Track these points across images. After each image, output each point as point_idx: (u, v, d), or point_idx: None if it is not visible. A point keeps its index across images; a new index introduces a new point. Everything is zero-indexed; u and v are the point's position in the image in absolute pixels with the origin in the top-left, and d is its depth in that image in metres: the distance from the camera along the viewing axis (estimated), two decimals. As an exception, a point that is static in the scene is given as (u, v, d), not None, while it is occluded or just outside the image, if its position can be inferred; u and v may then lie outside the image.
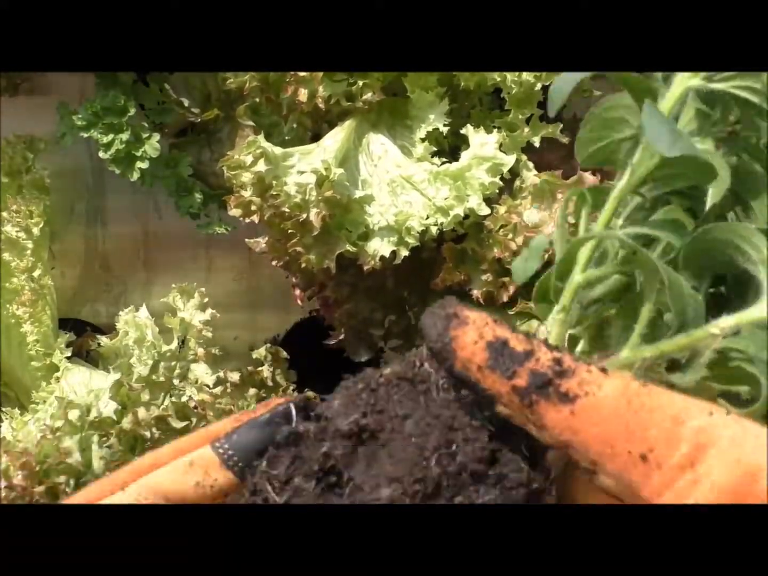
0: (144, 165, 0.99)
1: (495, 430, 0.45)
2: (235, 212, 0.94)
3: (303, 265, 0.91)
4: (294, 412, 0.47)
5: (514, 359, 0.42)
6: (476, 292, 0.92)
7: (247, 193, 0.91)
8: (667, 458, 0.40)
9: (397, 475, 0.43)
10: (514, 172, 0.92)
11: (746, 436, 0.40)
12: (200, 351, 1.01)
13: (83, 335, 1.09)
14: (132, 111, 0.99)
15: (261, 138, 0.90)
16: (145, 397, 0.93)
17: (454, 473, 0.44)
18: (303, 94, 0.91)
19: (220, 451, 0.46)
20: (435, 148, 0.93)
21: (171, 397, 0.95)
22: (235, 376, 1.00)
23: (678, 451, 0.40)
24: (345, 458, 0.44)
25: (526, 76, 0.89)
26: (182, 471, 0.46)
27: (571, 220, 0.52)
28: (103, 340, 1.05)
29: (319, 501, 0.44)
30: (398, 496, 0.43)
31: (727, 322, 0.44)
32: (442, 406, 0.46)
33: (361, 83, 0.92)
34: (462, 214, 0.89)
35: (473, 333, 0.43)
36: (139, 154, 0.99)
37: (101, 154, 0.99)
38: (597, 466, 0.42)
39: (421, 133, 0.93)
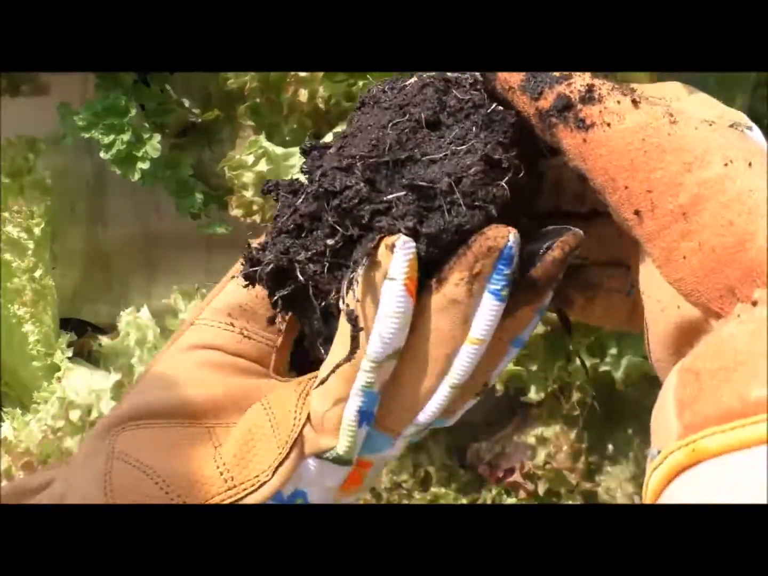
0: (145, 165, 0.99)
1: None
2: (236, 212, 0.94)
3: (304, 265, 0.91)
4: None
5: (546, 81, 0.42)
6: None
7: (248, 193, 0.91)
8: (662, 203, 0.39)
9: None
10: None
11: (758, 196, 0.37)
12: (201, 352, 1.01)
13: (84, 335, 1.09)
14: (133, 111, 0.99)
15: (262, 138, 0.91)
16: (146, 397, 0.93)
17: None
18: (303, 95, 0.91)
19: None
20: (435, 148, 0.93)
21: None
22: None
23: (676, 198, 0.38)
24: None
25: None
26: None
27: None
28: (104, 340, 1.05)
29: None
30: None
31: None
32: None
33: (361, 84, 0.92)
34: (462, 214, 0.88)
35: None
36: (139, 154, 0.99)
37: (102, 155, 0.99)
38: (601, 195, 0.41)
39: (422, 133, 0.93)
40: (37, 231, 1.03)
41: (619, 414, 1.00)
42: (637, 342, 0.93)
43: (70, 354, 1.02)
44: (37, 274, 1.02)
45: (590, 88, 0.41)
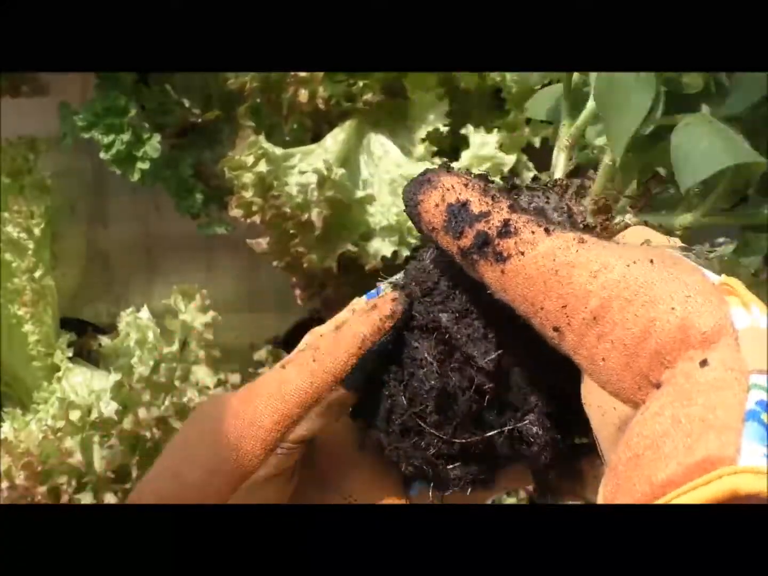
0: (145, 165, 0.99)
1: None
2: (236, 213, 0.94)
3: (305, 265, 0.91)
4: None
5: (466, 220, 0.43)
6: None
7: (248, 194, 0.91)
8: (575, 314, 0.40)
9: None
10: (515, 172, 0.92)
11: (658, 286, 0.39)
12: (201, 353, 1.01)
13: (84, 335, 1.09)
14: (133, 111, 0.99)
15: (262, 138, 0.91)
16: (146, 397, 0.93)
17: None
18: (303, 95, 0.91)
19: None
20: (435, 148, 0.93)
21: (172, 397, 0.95)
22: (235, 378, 1.00)
23: (587, 305, 0.40)
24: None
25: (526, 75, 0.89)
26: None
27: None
28: (105, 340, 1.05)
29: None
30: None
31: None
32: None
33: (361, 84, 0.92)
34: (463, 214, 0.89)
35: (437, 197, 0.45)
36: (139, 154, 0.99)
37: (102, 155, 0.99)
38: (528, 322, 0.42)
39: (422, 133, 0.93)
40: (37, 231, 1.03)
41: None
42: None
43: (70, 354, 1.02)
44: (37, 274, 1.02)
45: (506, 223, 0.43)
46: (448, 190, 0.45)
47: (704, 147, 0.42)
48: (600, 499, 0.38)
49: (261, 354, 1.06)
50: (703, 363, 0.36)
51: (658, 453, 0.35)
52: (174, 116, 1.06)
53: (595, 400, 0.41)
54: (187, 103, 1.07)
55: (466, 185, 0.45)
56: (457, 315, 0.47)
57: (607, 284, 0.40)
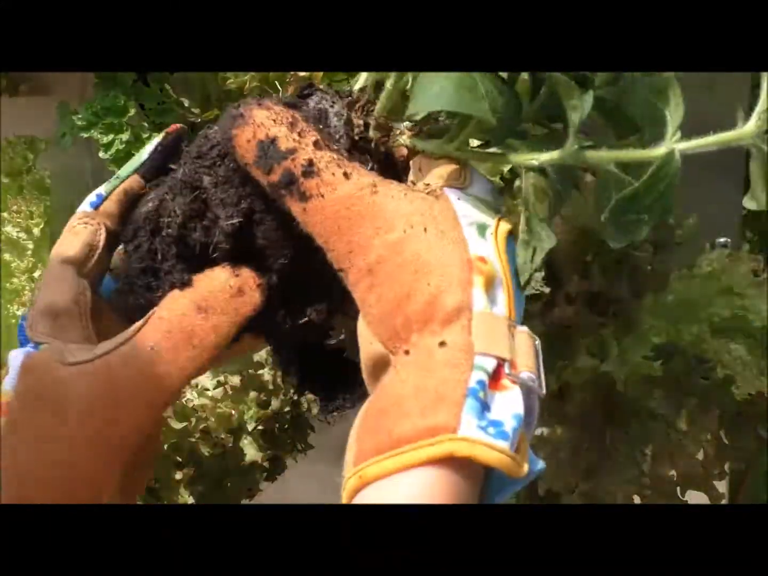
0: (144, 165, 0.99)
1: None
2: (235, 212, 0.94)
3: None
4: None
5: (275, 157, 0.48)
6: (476, 292, 0.92)
7: (247, 193, 0.91)
8: (357, 261, 0.47)
9: None
10: (515, 172, 0.92)
11: (424, 258, 0.45)
12: (201, 354, 1.01)
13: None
14: (132, 111, 0.99)
15: (261, 138, 0.90)
16: (146, 397, 0.93)
17: None
18: (303, 94, 0.91)
19: None
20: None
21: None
22: (235, 380, 1.00)
23: (366, 257, 0.46)
24: None
25: (526, 75, 0.89)
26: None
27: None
28: (104, 340, 1.05)
29: None
30: None
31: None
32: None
33: (361, 83, 0.91)
34: (462, 214, 0.89)
35: (249, 132, 0.49)
36: (139, 154, 0.99)
37: (101, 154, 0.99)
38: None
39: (422, 133, 0.93)
40: (36, 231, 1.03)
41: (619, 414, 1.00)
42: (637, 343, 0.93)
43: (69, 354, 1.02)
44: (37, 274, 1.02)
45: (310, 163, 0.47)
46: (258, 126, 0.48)
47: (437, 89, 0.46)
48: (353, 432, 0.44)
49: (261, 355, 1.06)
50: (442, 344, 0.42)
51: (400, 412, 0.41)
52: (173, 116, 1.05)
53: (362, 331, 0.48)
54: (186, 103, 1.07)
55: (275, 121, 0.49)
56: (218, 180, 0.51)
57: (384, 244, 0.46)
